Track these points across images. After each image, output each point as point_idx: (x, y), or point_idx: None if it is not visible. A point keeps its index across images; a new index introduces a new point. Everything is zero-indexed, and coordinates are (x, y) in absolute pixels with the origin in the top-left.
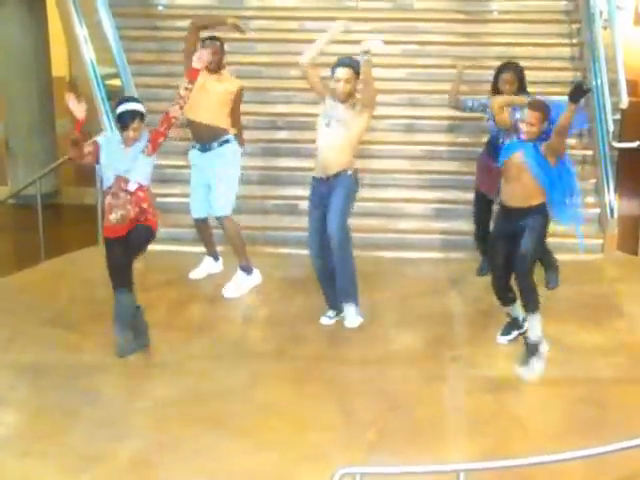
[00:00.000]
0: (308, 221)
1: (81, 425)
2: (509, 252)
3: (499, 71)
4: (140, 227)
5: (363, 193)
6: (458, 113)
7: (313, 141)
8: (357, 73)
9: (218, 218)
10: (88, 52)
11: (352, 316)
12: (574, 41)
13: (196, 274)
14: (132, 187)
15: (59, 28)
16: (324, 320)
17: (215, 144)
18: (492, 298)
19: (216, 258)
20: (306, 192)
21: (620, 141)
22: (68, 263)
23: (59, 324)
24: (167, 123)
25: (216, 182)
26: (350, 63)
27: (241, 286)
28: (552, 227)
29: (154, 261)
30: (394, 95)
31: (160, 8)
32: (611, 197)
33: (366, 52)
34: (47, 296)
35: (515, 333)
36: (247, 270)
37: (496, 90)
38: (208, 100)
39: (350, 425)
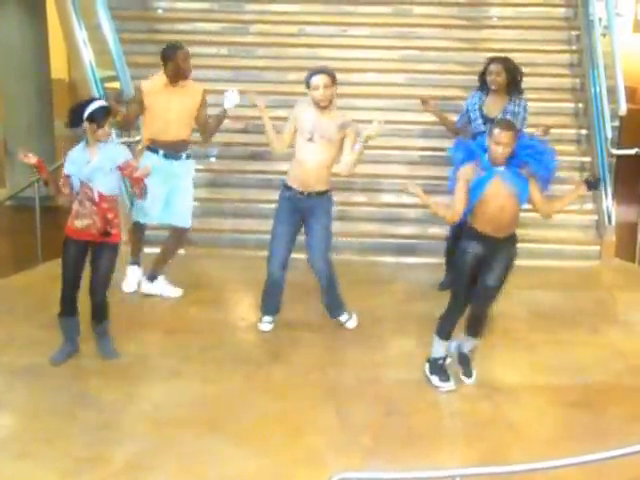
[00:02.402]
0: (274, 229)
1: (78, 428)
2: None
3: (487, 63)
4: (106, 252)
5: (362, 198)
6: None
7: None
8: (333, 80)
9: (178, 228)
10: (87, 54)
11: (351, 321)
12: (573, 48)
13: (129, 287)
14: (96, 197)
15: (59, 30)
16: (265, 327)
17: (183, 155)
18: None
19: (139, 265)
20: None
21: (618, 148)
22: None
23: (56, 327)
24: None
25: (184, 194)
26: (324, 70)
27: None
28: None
29: (150, 265)
30: (393, 100)
31: (159, 11)
32: (609, 204)
33: (368, 138)
34: (44, 299)
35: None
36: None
37: (484, 82)
38: (176, 117)
39: (346, 430)
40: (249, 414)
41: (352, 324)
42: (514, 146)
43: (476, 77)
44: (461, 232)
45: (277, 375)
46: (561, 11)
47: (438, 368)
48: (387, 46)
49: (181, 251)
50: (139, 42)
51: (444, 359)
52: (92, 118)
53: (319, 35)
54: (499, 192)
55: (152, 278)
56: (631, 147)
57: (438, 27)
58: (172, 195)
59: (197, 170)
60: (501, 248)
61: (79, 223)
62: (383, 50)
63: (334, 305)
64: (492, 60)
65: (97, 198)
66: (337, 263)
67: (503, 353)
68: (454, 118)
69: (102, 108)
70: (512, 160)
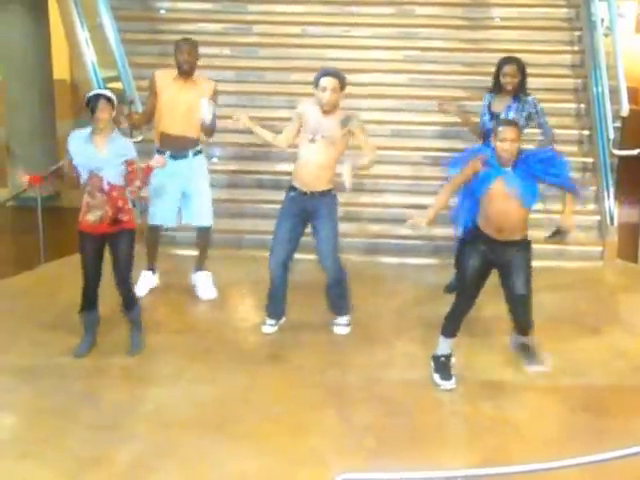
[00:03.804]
0: (276, 228)
1: (80, 428)
2: (482, 284)
3: (501, 64)
4: (123, 239)
5: (365, 199)
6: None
7: None
8: (341, 84)
9: (202, 228)
10: (90, 55)
11: (345, 328)
12: (575, 48)
13: (139, 291)
14: (106, 187)
15: (61, 31)
16: (267, 329)
17: (190, 152)
18: (492, 305)
19: (154, 271)
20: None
21: (620, 149)
22: (67, 266)
23: (59, 327)
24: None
25: (201, 193)
26: (335, 73)
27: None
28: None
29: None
30: (395, 100)
31: (162, 12)
32: (611, 204)
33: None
34: (47, 299)
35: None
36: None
37: (498, 84)
38: (185, 111)
39: (349, 431)
40: (252, 415)
41: (344, 331)
42: (519, 144)
43: (479, 77)
44: (468, 234)
45: (280, 376)
46: (563, 12)
47: (441, 366)
48: (390, 47)
49: (184, 252)
50: (141, 42)
51: (448, 357)
52: (87, 104)
53: (322, 36)
54: (501, 193)
55: (197, 270)
56: (633, 148)
57: (441, 28)
58: (188, 196)
59: None
60: (511, 253)
61: (92, 216)
62: (386, 51)
63: (338, 303)
64: (506, 61)
65: (107, 187)
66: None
67: (506, 354)
68: (477, 119)
69: (97, 95)
70: (523, 166)
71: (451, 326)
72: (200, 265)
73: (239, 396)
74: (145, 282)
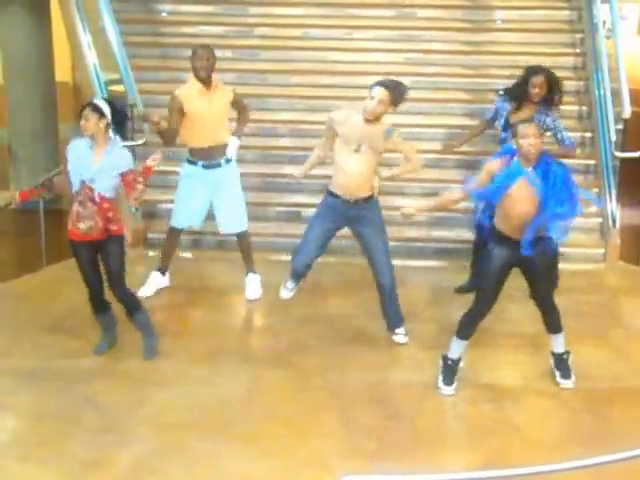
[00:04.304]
0: (309, 230)
1: (81, 431)
2: (502, 287)
3: (528, 74)
4: (112, 246)
5: None
6: (462, 121)
7: (312, 149)
8: (393, 99)
9: (240, 234)
10: (91, 58)
11: (402, 336)
12: (577, 51)
13: (145, 292)
14: (97, 198)
15: (63, 34)
16: (284, 293)
17: (221, 161)
18: (494, 307)
19: (164, 272)
20: (309, 199)
21: (622, 151)
22: (69, 269)
23: (60, 330)
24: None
25: (233, 200)
26: (390, 86)
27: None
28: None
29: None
30: None
31: (164, 14)
32: (613, 207)
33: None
34: (48, 302)
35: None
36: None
37: (523, 94)
38: (212, 122)
39: (350, 433)
40: (254, 418)
41: (404, 339)
42: (542, 141)
43: (481, 80)
44: (484, 235)
45: (282, 378)
46: (565, 14)
47: (448, 369)
48: (391, 49)
49: (188, 254)
50: (143, 45)
51: (456, 362)
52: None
53: (323, 38)
54: (523, 193)
55: (247, 272)
56: (635, 150)
57: (442, 30)
58: (220, 204)
59: None
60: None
61: (82, 226)
62: (387, 53)
63: (399, 314)
64: (533, 70)
65: (98, 199)
66: (345, 266)
67: (508, 356)
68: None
69: (86, 103)
70: (544, 167)
71: (467, 329)
72: (249, 267)
73: (242, 398)
74: (154, 283)
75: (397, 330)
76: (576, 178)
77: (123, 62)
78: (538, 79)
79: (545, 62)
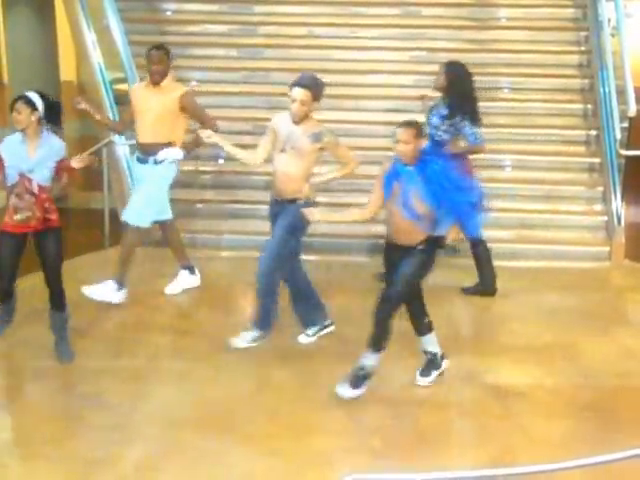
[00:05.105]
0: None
1: (87, 429)
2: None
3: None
4: (51, 239)
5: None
6: None
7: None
8: (315, 95)
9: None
10: (96, 56)
11: (242, 341)
12: (582, 48)
13: (172, 289)
14: (36, 189)
15: (68, 32)
16: (303, 339)
17: (150, 159)
18: (500, 306)
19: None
20: (318, 198)
21: (628, 149)
22: (75, 267)
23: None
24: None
25: (144, 193)
26: (307, 84)
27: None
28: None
29: (162, 266)
30: (402, 101)
31: (168, 13)
32: (618, 205)
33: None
34: None
35: (435, 373)
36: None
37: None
38: (149, 118)
39: (355, 431)
40: (258, 416)
41: (239, 343)
42: (417, 145)
43: (486, 78)
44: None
45: (287, 377)
46: (570, 12)
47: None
48: (396, 47)
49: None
50: (148, 44)
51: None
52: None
53: (328, 37)
54: (405, 191)
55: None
56: None
57: (447, 28)
58: (133, 194)
59: (204, 172)
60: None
61: (19, 217)
62: (392, 51)
63: (259, 312)
64: (443, 64)
65: (37, 190)
66: (349, 264)
67: (513, 355)
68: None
69: (15, 99)
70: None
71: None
72: (177, 262)
73: (246, 397)
74: (182, 281)
75: (249, 329)
76: (581, 176)
77: (128, 61)
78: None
79: (550, 60)
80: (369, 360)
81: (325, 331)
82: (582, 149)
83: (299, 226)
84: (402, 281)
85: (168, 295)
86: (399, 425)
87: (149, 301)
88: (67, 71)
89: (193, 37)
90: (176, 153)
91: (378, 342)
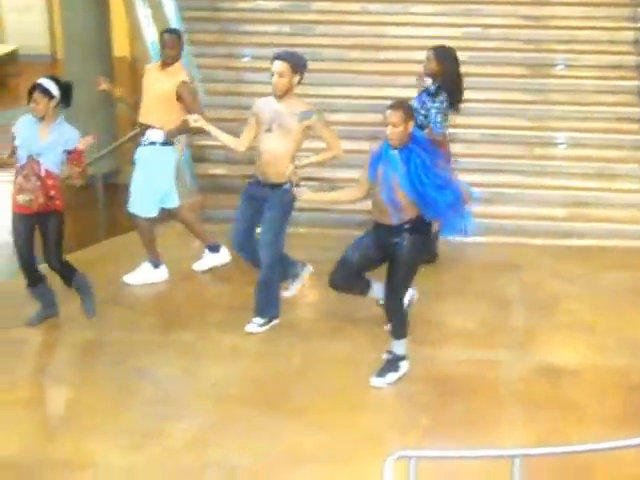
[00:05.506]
0: (236, 216)
1: (137, 403)
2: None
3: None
4: (51, 221)
5: None
6: (519, 97)
7: (371, 123)
8: (294, 68)
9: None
10: (149, 32)
11: (255, 326)
12: (638, 25)
13: (200, 265)
14: (42, 172)
15: (121, 8)
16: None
17: (145, 141)
18: (552, 284)
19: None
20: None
21: None
22: (126, 243)
23: (118, 302)
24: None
25: (141, 181)
26: (286, 57)
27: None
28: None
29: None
30: None
31: None
32: None
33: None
34: (106, 275)
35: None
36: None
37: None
38: (148, 99)
39: (405, 408)
40: (308, 391)
41: (252, 330)
42: (407, 127)
43: (540, 55)
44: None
45: (337, 352)
46: None
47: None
48: (450, 23)
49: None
50: (201, 20)
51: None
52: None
53: (381, 13)
54: (386, 175)
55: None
56: None
57: (503, 4)
58: (131, 181)
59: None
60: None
61: (21, 198)
62: (447, 27)
63: (262, 302)
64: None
65: (44, 174)
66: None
67: (564, 334)
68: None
69: (32, 85)
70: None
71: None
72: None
73: (296, 372)
74: (209, 260)
75: (254, 319)
76: (635, 154)
77: None
78: (426, 54)
79: (604, 36)
80: (398, 349)
81: (304, 272)
82: (636, 127)
83: (289, 211)
84: (401, 267)
85: (203, 272)
86: (448, 403)
87: (196, 277)
88: (120, 46)
89: (245, 13)
90: (155, 135)
91: (400, 330)
